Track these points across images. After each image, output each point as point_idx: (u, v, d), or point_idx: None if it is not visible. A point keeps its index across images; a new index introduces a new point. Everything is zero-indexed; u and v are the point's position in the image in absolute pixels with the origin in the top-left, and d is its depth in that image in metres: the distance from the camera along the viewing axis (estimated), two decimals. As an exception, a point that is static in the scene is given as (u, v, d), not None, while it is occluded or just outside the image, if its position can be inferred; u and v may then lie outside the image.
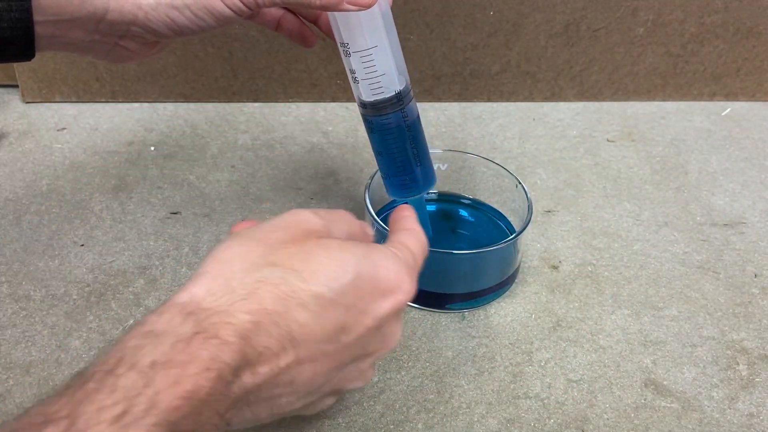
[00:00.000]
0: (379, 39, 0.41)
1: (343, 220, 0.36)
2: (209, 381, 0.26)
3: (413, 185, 0.47)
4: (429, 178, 0.48)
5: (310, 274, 0.30)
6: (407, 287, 0.34)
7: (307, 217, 0.33)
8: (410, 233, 0.38)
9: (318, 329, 0.30)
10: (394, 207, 0.56)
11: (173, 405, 0.25)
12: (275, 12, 0.46)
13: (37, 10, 0.36)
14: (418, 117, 0.46)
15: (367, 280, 0.32)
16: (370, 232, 0.39)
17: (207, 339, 0.27)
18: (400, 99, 0.43)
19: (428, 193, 0.59)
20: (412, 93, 0.45)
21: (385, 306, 0.33)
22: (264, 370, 0.28)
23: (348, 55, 0.42)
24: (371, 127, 0.45)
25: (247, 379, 0.28)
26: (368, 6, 0.39)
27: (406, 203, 0.42)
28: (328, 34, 0.44)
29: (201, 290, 0.29)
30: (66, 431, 0.24)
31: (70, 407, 0.24)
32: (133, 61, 0.44)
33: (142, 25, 0.39)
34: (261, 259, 0.30)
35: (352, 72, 0.42)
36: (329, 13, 0.41)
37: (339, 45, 0.42)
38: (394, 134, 0.45)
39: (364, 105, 0.44)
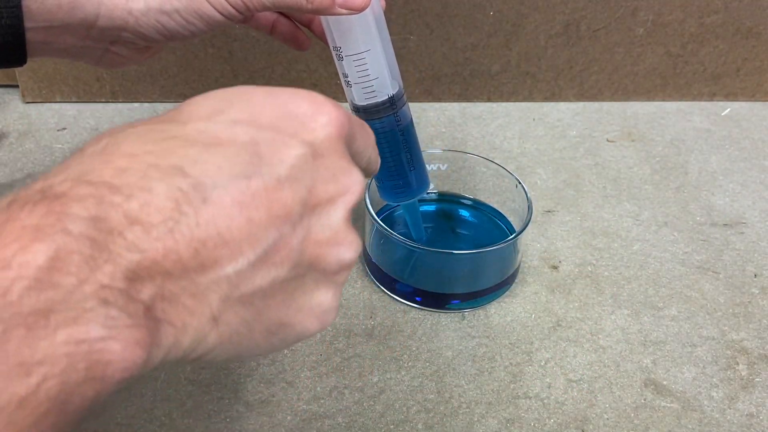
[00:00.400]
0: (372, 43, 0.41)
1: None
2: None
3: (406, 190, 0.47)
4: (422, 182, 0.48)
5: (188, 114, 0.25)
6: (328, 108, 0.26)
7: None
8: None
9: (221, 160, 0.22)
10: (394, 207, 0.56)
11: None
12: (269, 16, 0.46)
13: (28, 17, 0.36)
14: (411, 121, 0.46)
15: (271, 109, 0.25)
16: None
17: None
18: (393, 103, 0.43)
19: (428, 193, 0.59)
20: (405, 97, 0.45)
21: (309, 128, 0.25)
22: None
23: (341, 59, 0.41)
24: None
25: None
26: (360, 9, 0.39)
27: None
28: (321, 37, 0.44)
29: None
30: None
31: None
32: (125, 67, 0.44)
33: (132, 30, 0.39)
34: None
35: (345, 76, 0.42)
36: (322, 16, 0.41)
37: (331, 49, 0.42)
38: (387, 139, 0.45)
39: (356, 109, 0.44)
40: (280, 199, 0.22)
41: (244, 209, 0.21)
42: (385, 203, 0.56)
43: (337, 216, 0.25)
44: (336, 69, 0.43)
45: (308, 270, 0.24)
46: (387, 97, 0.43)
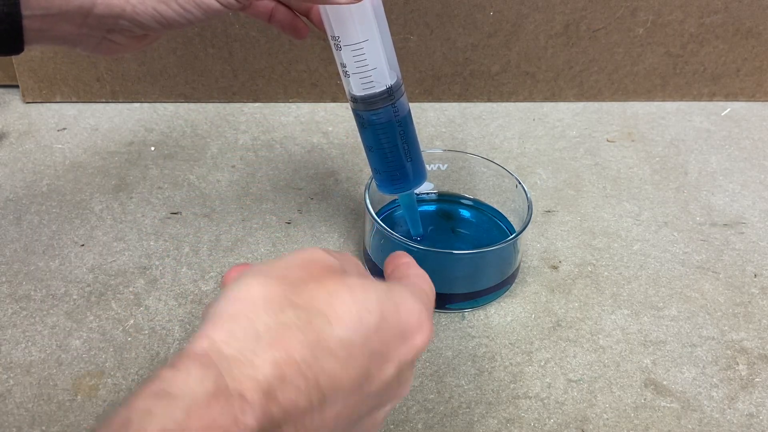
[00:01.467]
0: (371, 33, 0.41)
1: (351, 261, 0.33)
2: None
3: (404, 181, 0.47)
4: (420, 174, 0.48)
5: (336, 318, 0.27)
6: (427, 329, 0.31)
7: (320, 256, 0.31)
8: (419, 274, 0.35)
9: (345, 380, 0.27)
10: (394, 207, 0.56)
11: None
12: (267, 4, 0.46)
13: (24, 5, 0.36)
14: (409, 112, 0.46)
15: (391, 322, 0.29)
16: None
17: (229, 399, 0.24)
18: (391, 94, 0.43)
19: (428, 193, 0.59)
20: (403, 88, 0.44)
21: (405, 351, 0.30)
22: (289, 429, 0.26)
23: (339, 48, 0.41)
24: (362, 122, 0.45)
25: None
26: None
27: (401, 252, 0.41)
28: (319, 26, 0.44)
29: (222, 334, 0.25)
30: None
31: None
32: (121, 54, 0.44)
33: (129, 18, 0.39)
34: (284, 298, 0.27)
35: (343, 66, 0.42)
36: (320, 6, 0.41)
37: (330, 38, 0.42)
38: (385, 129, 0.45)
39: (354, 99, 0.44)
40: (360, 410, 0.29)
41: (337, 417, 0.28)
42: (385, 203, 0.56)
43: (382, 414, 0.32)
44: (336, 69, 0.43)
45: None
46: (385, 87, 0.43)
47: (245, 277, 0.28)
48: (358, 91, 0.43)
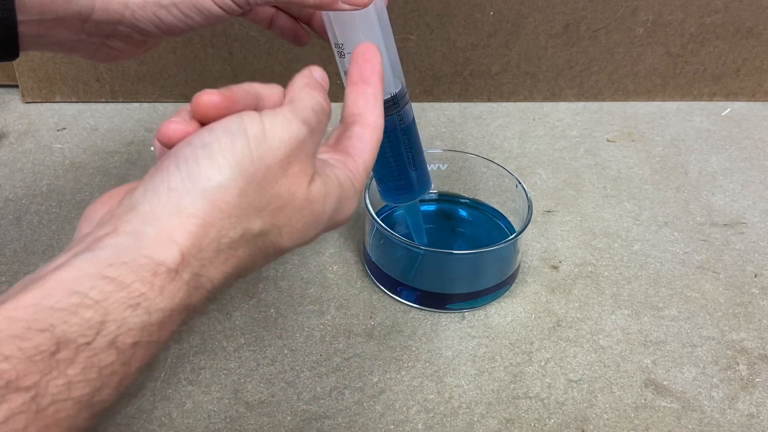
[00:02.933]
0: (375, 40, 0.40)
1: (305, 105, 0.32)
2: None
3: (408, 190, 0.47)
4: (424, 182, 0.47)
5: (288, 232, 0.30)
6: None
7: (303, 142, 0.30)
8: (368, 134, 0.35)
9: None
10: (394, 207, 0.56)
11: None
12: (268, 10, 0.45)
13: (20, 9, 0.35)
14: (414, 120, 0.45)
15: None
16: (318, 74, 0.35)
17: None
18: (395, 102, 0.43)
19: (428, 192, 0.59)
20: (407, 96, 0.44)
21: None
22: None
23: (342, 56, 0.41)
24: None
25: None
26: (363, 6, 0.38)
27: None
28: (321, 35, 0.43)
29: (189, 243, 0.26)
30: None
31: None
32: (120, 60, 0.43)
33: (129, 24, 0.38)
34: (252, 208, 0.28)
35: (347, 74, 0.42)
36: (323, 12, 0.41)
37: (333, 46, 0.41)
38: (390, 138, 0.44)
39: None
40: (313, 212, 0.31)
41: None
42: (385, 203, 0.56)
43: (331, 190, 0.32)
44: (336, 69, 0.43)
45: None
46: (390, 96, 0.42)
47: (226, 168, 0.27)
48: None
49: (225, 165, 0.27)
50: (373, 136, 0.35)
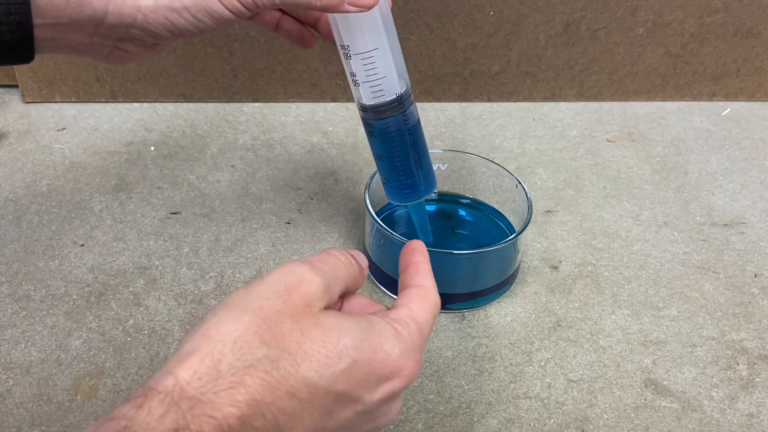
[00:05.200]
0: (380, 41, 0.41)
1: (338, 267, 0.33)
2: None
3: (414, 190, 0.47)
4: (430, 182, 0.48)
5: (303, 358, 0.28)
6: (408, 372, 0.31)
7: (305, 278, 0.30)
8: (420, 295, 0.35)
9: (306, 417, 0.28)
10: (394, 207, 0.56)
11: None
12: (274, 13, 0.46)
13: (36, 14, 0.36)
14: (419, 121, 0.45)
15: (363, 367, 0.30)
16: (364, 263, 0.36)
17: None
18: (401, 102, 0.43)
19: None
20: (412, 96, 0.44)
21: (378, 393, 0.30)
22: None
23: (348, 57, 0.41)
24: (372, 131, 0.45)
25: None
26: (369, 7, 0.39)
27: (417, 238, 0.40)
28: (327, 37, 0.44)
29: (186, 373, 0.26)
30: None
31: None
32: (132, 63, 0.44)
33: (140, 27, 0.39)
34: (254, 336, 0.28)
35: (353, 75, 0.42)
36: (329, 15, 0.41)
37: (339, 47, 0.42)
38: (395, 138, 0.44)
39: (364, 108, 0.44)
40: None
41: None
42: (385, 203, 0.56)
43: None
44: (336, 69, 0.43)
45: None
46: (395, 96, 0.43)
47: (221, 310, 0.29)
48: (368, 100, 0.43)
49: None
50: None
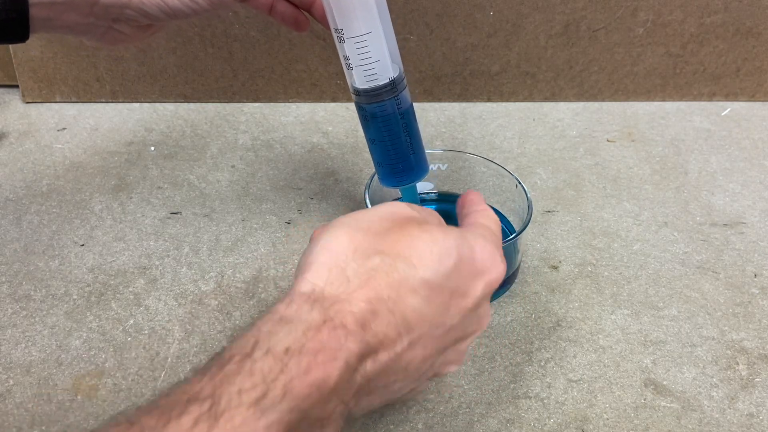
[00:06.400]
0: (374, 25, 0.41)
1: (431, 213, 0.37)
2: (337, 370, 0.27)
3: (407, 173, 0.47)
4: (422, 166, 0.48)
5: (418, 260, 0.31)
6: (499, 265, 0.35)
7: (402, 208, 0.35)
8: (485, 214, 0.39)
9: (428, 313, 0.31)
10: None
11: (305, 392, 0.26)
12: None
13: None
14: (412, 105, 0.46)
15: (467, 262, 0.33)
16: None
17: (334, 328, 0.28)
18: (393, 86, 0.43)
19: (428, 193, 0.59)
20: (405, 81, 0.45)
21: (481, 286, 0.34)
22: (384, 357, 0.30)
23: (342, 41, 0.41)
24: (365, 115, 0.45)
25: (369, 366, 0.29)
26: None
27: (471, 190, 0.43)
28: (321, 20, 0.44)
29: (320, 280, 0.30)
30: (209, 410, 0.25)
31: (212, 387, 0.26)
32: (127, 44, 0.44)
33: (135, 8, 0.39)
34: (370, 247, 0.31)
35: (346, 58, 0.42)
36: None
37: (333, 31, 0.42)
38: (388, 122, 0.45)
39: (357, 92, 0.44)
40: (446, 342, 0.33)
41: (425, 348, 0.32)
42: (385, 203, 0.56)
43: (465, 344, 0.36)
44: (336, 69, 0.43)
45: (431, 377, 0.36)
46: (388, 80, 0.43)
47: (332, 229, 0.33)
48: (361, 84, 0.43)
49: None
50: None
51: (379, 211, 0.34)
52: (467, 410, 0.44)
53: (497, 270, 0.34)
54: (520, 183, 0.53)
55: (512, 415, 0.43)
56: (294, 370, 0.26)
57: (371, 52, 0.42)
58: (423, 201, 0.58)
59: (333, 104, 0.74)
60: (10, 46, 0.70)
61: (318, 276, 0.30)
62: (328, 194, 0.61)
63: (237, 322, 0.49)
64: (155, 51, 0.70)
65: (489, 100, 0.76)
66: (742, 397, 0.45)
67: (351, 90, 0.44)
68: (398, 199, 0.57)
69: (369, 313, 0.29)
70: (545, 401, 0.44)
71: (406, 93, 0.45)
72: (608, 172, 0.66)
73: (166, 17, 0.40)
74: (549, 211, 0.61)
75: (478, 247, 0.34)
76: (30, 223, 0.57)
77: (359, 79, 0.43)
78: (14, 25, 0.37)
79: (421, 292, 0.31)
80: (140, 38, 0.44)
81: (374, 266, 0.31)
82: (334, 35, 0.42)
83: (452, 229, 0.34)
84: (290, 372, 0.26)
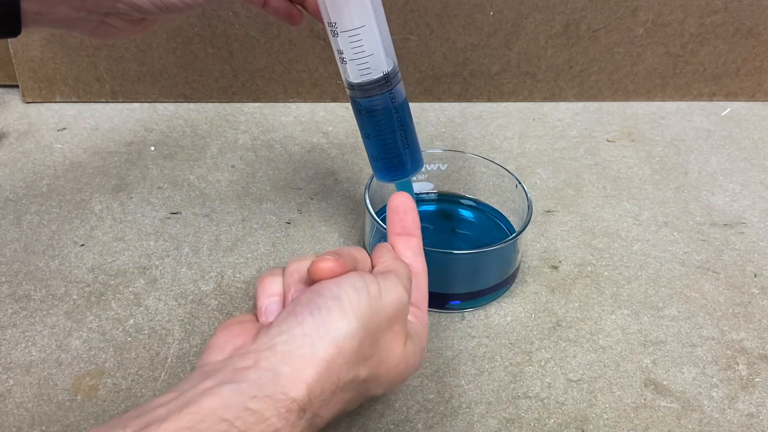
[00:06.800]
0: (367, 19, 0.41)
1: (404, 275, 0.36)
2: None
3: (401, 168, 0.47)
4: (417, 160, 0.48)
5: (382, 386, 0.34)
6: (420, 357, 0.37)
7: (405, 305, 0.35)
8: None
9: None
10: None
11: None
12: None
13: None
14: (406, 99, 0.45)
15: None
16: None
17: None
18: (387, 80, 0.43)
19: (428, 193, 0.59)
20: (399, 75, 0.44)
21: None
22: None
23: (335, 35, 0.41)
24: (359, 109, 0.45)
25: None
26: None
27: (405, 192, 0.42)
28: (315, 14, 0.44)
29: (318, 387, 0.29)
30: None
31: None
32: (119, 38, 0.44)
33: (127, 2, 0.39)
34: (363, 355, 0.32)
35: (340, 52, 0.42)
36: None
37: (326, 25, 0.42)
38: (382, 116, 0.44)
39: (351, 86, 0.44)
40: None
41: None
42: (385, 203, 0.56)
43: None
44: (336, 69, 0.43)
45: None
46: (382, 74, 0.43)
47: (350, 320, 0.31)
48: (355, 78, 0.43)
49: (352, 317, 0.31)
50: (426, 282, 0.39)
51: (391, 308, 0.33)
52: (467, 410, 0.44)
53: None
54: (520, 183, 0.53)
55: (512, 415, 0.43)
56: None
57: (365, 45, 0.41)
58: (423, 201, 0.58)
59: (333, 104, 0.74)
60: (11, 46, 0.69)
61: (316, 382, 0.30)
62: (328, 194, 0.61)
63: (237, 322, 0.49)
64: (155, 51, 0.70)
65: (489, 100, 0.76)
66: (742, 397, 0.45)
67: (345, 84, 0.44)
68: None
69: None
70: (545, 401, 0.44)
71: (401, 87, 0.45)
72: (608, 172, 0.66)
73: (159, 11, 0.40)
74: (549, 211, 0.61)
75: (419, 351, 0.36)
76: (30, 223, 0.57)
77: (353, 73, 0.43)
78: (6, 20, 0.37)
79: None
80: (133, 32, 0.43)
81: (351, 384, 0.31)
82: (328, 29, 0.42)
83: (414, 351, 0.35)
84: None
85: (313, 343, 0.30)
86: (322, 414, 0.30)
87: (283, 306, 0.34)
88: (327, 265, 0.33)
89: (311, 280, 0.33)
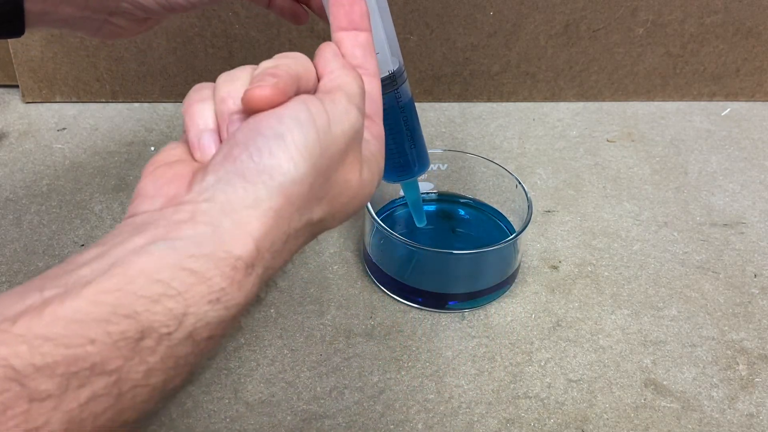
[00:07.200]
0: (373, 18, 0.40)
1: (355, 91, 0.32)
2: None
3: (407, 168, 0.47)
4: (423, 160, 0.47)
5: (338, 220, 0.31)
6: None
7: (359, 131, 0.31)
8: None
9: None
10: (395, 207, 0.56)
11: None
12: None
13: None
14: (412, 99, 0.45)
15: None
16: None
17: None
18: (393, 80, 0.43)
19: (428, 193, 0.59)
20: (405, 74, 0.44)
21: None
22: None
23: None
24: None
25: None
26: None
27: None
28: (320, 14, 0.43)
29: (266, 241, 0.26)
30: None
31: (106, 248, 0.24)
32: (123, 38, 0.44)
33: (131, 1, 0.39)
34: (316, 196, 0.28)
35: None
36: None
37: (331, 24, 0.41)
38: (388, 116, 0.44)
39: None
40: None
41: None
42: (385, 203, 0.56)
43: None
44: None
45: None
46: (388, 73, 0.42)
47: (295, 157, 0.27)
48: None
49: (300, 159, 0.27)
50: (379, 87, 0.35)
51: (345, 137, 0.29)
52: (467, 410, 0.44)
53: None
54: (520, 183, 0.53)
55: (512, 415, 0.43)
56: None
57: None
58: (423, 201, 0.58)
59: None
60: (11, 46, 0.69)
61: (264, 236, 0.26)
62: (328, 194, 0.61)
63: (237, 322, 0.49)
64: (155, 51, 0.70)
65: (489, 100, 0.76)
66: (742, 397, 0.45)
67: None
68: (396, 204, 0.57)
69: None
70: (545, 401, 0.44)
71: (407, 86, 0.44)
72: (608, 172, 0.66)
73: (164, 10, 0.40)
74: (549, 211, 0.61)
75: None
76: (30, 223, 0.57)
77: None
78: (9, 20, 0.37)
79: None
80: (137, 32, 0.43)
81: (306, 230, 0.29)
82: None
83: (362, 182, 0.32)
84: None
85: (256, 193, 0.26)
86: (274, 265, 0.27)
87: (220, 140, 0.30)
88: (263, 93, 0.28)
89: (247, 111, 0.29)
